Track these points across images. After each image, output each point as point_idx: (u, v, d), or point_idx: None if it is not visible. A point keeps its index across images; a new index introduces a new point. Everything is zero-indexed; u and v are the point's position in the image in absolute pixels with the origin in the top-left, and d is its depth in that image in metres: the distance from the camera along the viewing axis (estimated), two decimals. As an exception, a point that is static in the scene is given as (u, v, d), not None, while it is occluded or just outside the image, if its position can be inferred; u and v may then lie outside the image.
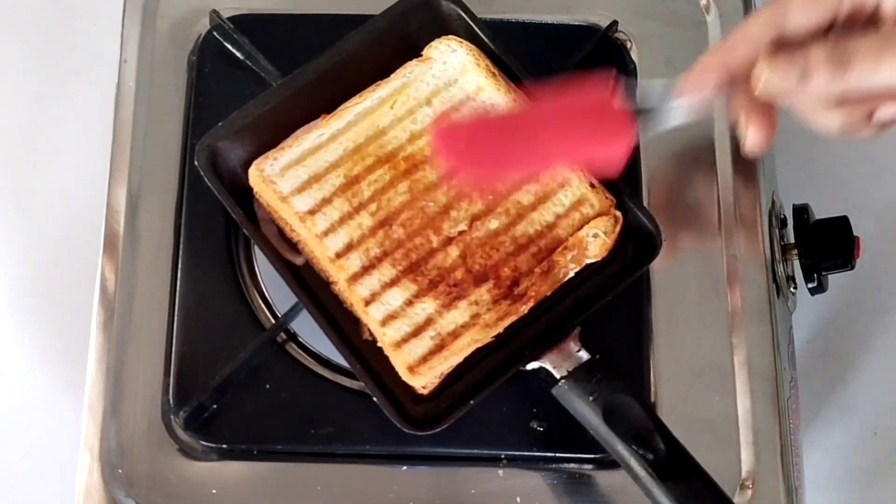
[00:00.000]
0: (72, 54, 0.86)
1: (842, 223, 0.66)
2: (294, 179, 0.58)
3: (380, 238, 0.57)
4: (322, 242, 0.57)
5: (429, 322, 0.56)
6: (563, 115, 0.52)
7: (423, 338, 0.56)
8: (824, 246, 0.66)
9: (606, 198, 0.59)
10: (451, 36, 0.62)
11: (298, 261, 0.59)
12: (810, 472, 0.68)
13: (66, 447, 0.65)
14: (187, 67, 0.70)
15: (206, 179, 0.58)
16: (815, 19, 0.48)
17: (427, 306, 0.56)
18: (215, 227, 0.66)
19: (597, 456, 0.62)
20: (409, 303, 0.56)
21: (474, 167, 0.54)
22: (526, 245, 0.58)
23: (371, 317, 0.56)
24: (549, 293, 0.57)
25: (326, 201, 0.58)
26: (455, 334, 0.56)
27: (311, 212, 0.58)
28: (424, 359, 0.55)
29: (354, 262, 0.57)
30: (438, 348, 0.56)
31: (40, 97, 0.85)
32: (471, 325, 0.56)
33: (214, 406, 0.62)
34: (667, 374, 0.64)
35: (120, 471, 0.62)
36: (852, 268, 0.66)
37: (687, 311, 0.65)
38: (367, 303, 0.56)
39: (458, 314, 0.56)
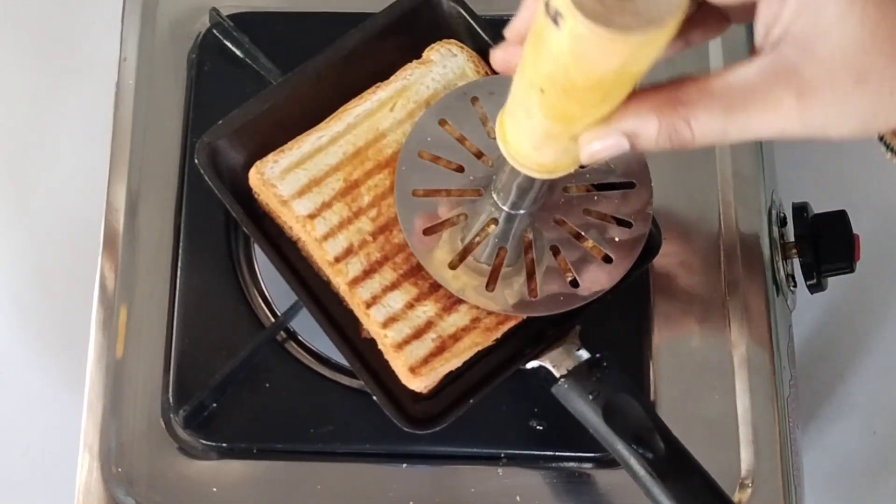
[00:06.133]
0: (71, 52, 0.86)
1: (840, 217, 0.66)
2: (294, 182, 0.58)
3: (380, 243, 0.57)
4: (321, 246, 0.57)
5: (429, 325, 0.56)
6: None
7: (424, 339, 0.56)
8: (823, 240, 0.66)
9: None
10: (451, 40, 0.62)
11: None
12: (810, 471, 0.68)
13: (65, 446, 0.65)
14: (187, 65, 0.70)
15: (206, 178, 0.58)
16: None
17: (428, 309, 0.56)
18: (215, 225, 0.66)
19: (596, 455, 0.62)
20: (410, 306, 0.56)
21: None
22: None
23: (372, 319, 0.56)
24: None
25: (326, 205, 0.58)
26: (456, 337, 0.56)
27: (311, 216, 0.58)
28: (425, 360, 0.55)
29: (355, 266, 0.57)
30: (439, 350, 0.56)
31: (40, 95, 0.85)
32: (471, 329, 0.56)
33: (214, 405, 0.62)
34: (667, 374, 0.64)
35: (120, 469, 0.62)
36: (853, 270, 0.66)
37: (687, 311, 0.65)
38: (368, 305, 0.56)
39: (459, 317, 0.56)
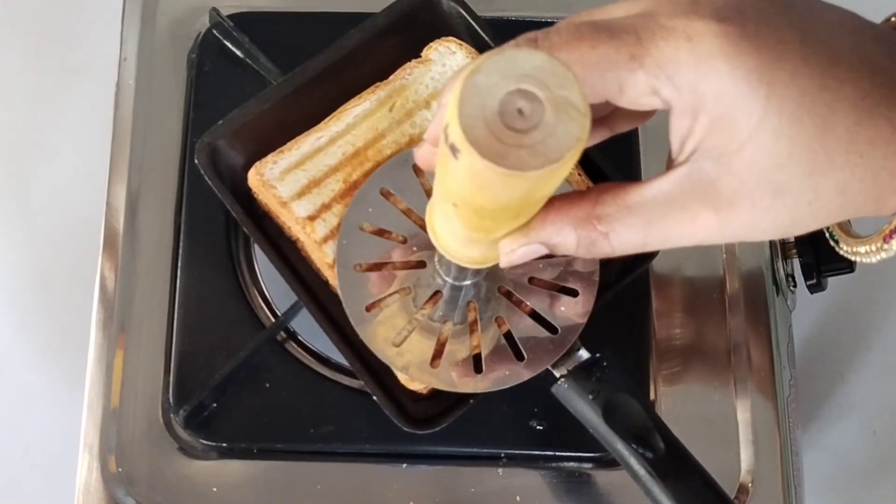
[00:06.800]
0: (71, 52, 0.86)
1: None
2: (294, 184, 0.58)
3: None
4: (321, 248, 0.57)
5: None
6: None
7: None
8: (823, 240, 0.66)
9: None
10: (450, 38, 0.62)
11: None
12: (810, 471, 0.68)
13: (65, 446, 0.65)
14: (187, 65, 0.70)
15: (206, 178, 0.58)
16: None
17: (427, 312, 0.56)
18: (215, 225, 0.66)
19: (596, 455, 0.62)
20: None
21: None
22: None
23: None
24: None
25: (326, 207, 0.58)
26: None
27: (311, 217, 0.58)
28: None
29: None
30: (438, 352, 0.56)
31: (40, 95, 0.85)
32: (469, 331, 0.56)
33: (214, 405, 0.62)
34: (667, 373, 0.64)
35: (120, 469, 0.62)
36: (853, 270, 0.66)
37: (687, 311, 0.65)
38: (368, 308, 0.56)
39: None
